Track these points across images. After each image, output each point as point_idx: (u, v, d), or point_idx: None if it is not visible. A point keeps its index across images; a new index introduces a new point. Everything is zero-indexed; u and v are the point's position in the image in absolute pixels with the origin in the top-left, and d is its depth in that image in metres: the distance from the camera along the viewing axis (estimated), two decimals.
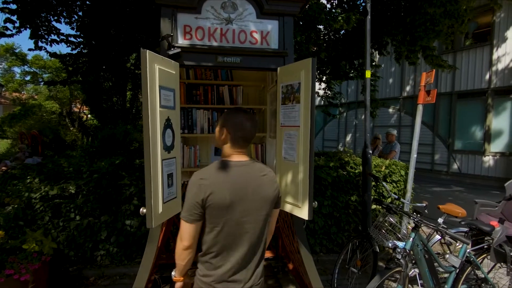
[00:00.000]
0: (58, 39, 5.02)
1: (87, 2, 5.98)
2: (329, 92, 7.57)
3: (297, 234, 2.22)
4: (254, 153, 3.06)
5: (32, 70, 18.75)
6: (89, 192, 3.57)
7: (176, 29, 2.07)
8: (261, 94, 3.14)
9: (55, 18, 5.89)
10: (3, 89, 17.41)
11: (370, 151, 3.72)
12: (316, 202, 1.98)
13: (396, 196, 2.77)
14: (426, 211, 2.76)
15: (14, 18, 4.35)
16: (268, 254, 3.55)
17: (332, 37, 6.80)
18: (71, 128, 18.66)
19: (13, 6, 4.45)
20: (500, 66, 9.44)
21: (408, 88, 12.11)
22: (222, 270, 1.26)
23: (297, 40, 3.83)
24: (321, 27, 6.38)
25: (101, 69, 6.67)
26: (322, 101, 8.68)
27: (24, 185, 3.52)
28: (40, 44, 4.87)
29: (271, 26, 2.20)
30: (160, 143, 1.79)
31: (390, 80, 12.86)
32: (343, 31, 6.74)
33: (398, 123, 12.28)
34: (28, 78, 19.42)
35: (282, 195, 2.12)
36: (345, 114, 15.22)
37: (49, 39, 4.90)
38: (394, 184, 4.28)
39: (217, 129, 1.38)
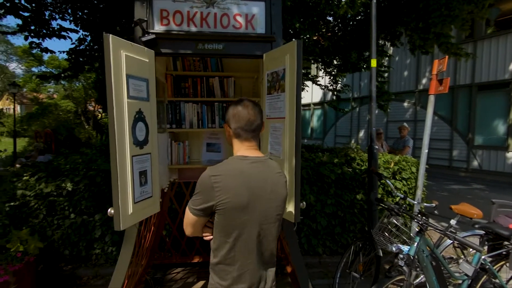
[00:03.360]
0: (49, 32, 4.97)
1: (94, 1, 5.93)
2: (336, 85, 7.24)
3: (287, 238, 2.03)
4: None
5: (48, 70, 19.24)
6: (84, 190, 3.50)
7: (151, 14, 1.91)
8: (255, 86, 2.94)
9: (60, 16, 5.90)
10: (21, 90, 17.98)
11: (377, 147, 3.46)
12: (304, 203, 1.78)
13: (402, 195, 2.51)
14: (436, 211, 2.49)
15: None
16: None
17: (340, 26, 6.49)
18: (86, 126, 19.11)
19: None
20: None
21: (424, 81, 11.53)
22: (239, 276, 1.16)
23: (296, 28, 3.59)
24: (329, 17, 6.10)
25: None
26: (333, 96, 8.37)
27: (21, 183, 3.49)
28: (30, 39, 4.84)
29: (257, 8, 2.00)
30: (129, 137, 1.63)
31: (405, 73, 12.31)
32: (351, 20, 6.43)
33: (413, 117, 11.73)
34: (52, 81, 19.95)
35: None
36: (357, 109, 14.74)
37: (40, 33, 4.86)
38: (404, 182, 3.99)
39: (224, 126, 1.31)
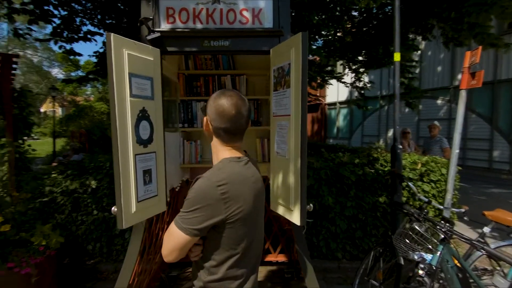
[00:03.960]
0: (76, 37, 5.23)
1: (120, 6, 6.19)
2: (360, 83, 6.94)
3: (296, 241, 1.93)
4: (260, 149, 2.80)
5: (84, 74, 20.53)
6: (106, 187, 3.63)
7: (158, 13, 1.90)
8: (268, 83, 2.86)
9: (90, 22, 6.21)
10: (60, 93, 19.26)
11: (400, 146, 3.23)
12: (311, 205, 1.68)
13: (426, 199, 2.30)
14: (465, 217, 2.26)
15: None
16: (281, 258, 3.28)
17: (366, 20, 6.20)
18: None
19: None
20: None
21: (460, 76, 10.73)
22: (238, 280, 1.05)
23: (314, 23, 3.45)
24: (355, 11, 5.85)
25: None
26: (357, 94, 8.04)
27: (50, 180, 3.70)
28: (60, 43, 5.12)
29: (264, 2, 1.92)
30: (132, 136, 1.63)
31: (439, 68, 11.54)
32: (377, 13, 6.12)
33: (448, 115, 10.97)
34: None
35: (275, 195, 1.85)
36: (386, 107, 14.09)
37: (68, 37, 5.12)
38: (433, 185, 3.70)
39: (204, 118, 1.11)
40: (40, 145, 19.97)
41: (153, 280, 2.87)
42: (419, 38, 6.59)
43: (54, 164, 7.17)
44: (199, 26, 1.91)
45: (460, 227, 4.54)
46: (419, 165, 3.72)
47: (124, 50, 1.57)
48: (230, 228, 0.98)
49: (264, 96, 2.81)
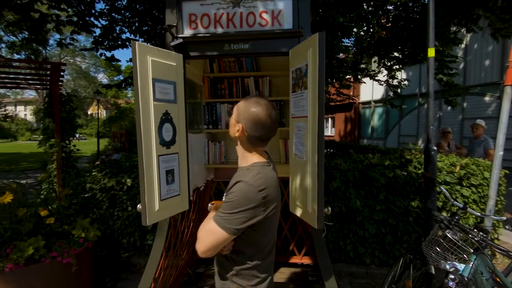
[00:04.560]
0: (116, 44, 5.58)
1: (156, 13, 6.53)
2: (393, 80, 6.60)
3: (315, 244, 1.91)
4: (283, 149, 2.79)
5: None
6: (139, 185, 3.85)
7: (181, 19, 1.99)
8: None
9: (129, 30, 6.64)
10: (105, 96, 20.69)
11: (435, 147, 3.03)
12: (329, 208, 1.64)
13: (461, 205, 2.14)
14: (507, 226, 2.07)
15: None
16: (305, 260, 3.24)
17: (403, 14, 5.88)
18: None
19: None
20: None
21: None
22: (265, 271, 1.19)
23: (340, 22, 3.36)
24: (390, 5, 5.59)
25: None
26: (391, 92, 7.65)
27: (90, 178, 4.02)
28: (100, 50, 5.50)
29: (284, 3, 1.92)
30: (156, 138, 1.72)
31: (487, 62, 10.59)
32: (414, 7, 5.78)
33: (497, 113, 9.96)
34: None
35: (294, 197, 1.85)
36: (425, 105, 13.22)
37: (108, 45, 5.49)
38: (474, 189, 3.41)
39: (231, 121, 1.17)
40: (87, 144, 21.71)
41: (180, 275, 2.99)
42: (463, 30, 6.11)
43: (97, 163, 7.78)
44: (220, 30, 1.97)
45: (508, 236, 4.14)
46: (458, 168, 3.45)
47: (148, 57, 1.67)
48: (263, 227, 1.10)
49: (287, 97, 2.79)
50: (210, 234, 1.06)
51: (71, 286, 2.63)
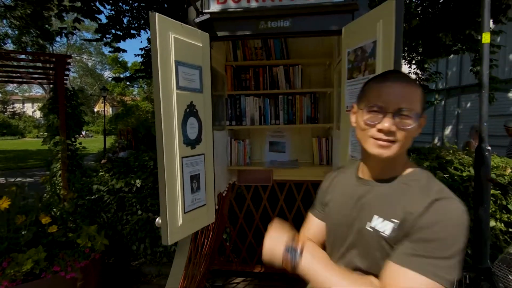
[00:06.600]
0: (121, 34, 5.27)
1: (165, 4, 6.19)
2: (424, 73, 6.18)
3: None
4: (317, 149, 2.43)
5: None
6: (150, 187, 3.54)
7: None
8: (327, 74, 2.47)
9: (137, 21, 6.31)
10: (111, 94, 20.52)
11: (489, 147, 2.64)
12: None
13: None
14: None
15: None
16: None
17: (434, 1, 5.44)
18: None
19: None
20: None
21: None
22: None
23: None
24: None
25: None
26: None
27: (97, 178, 3.71)
28: (105, 40, 5.20)
29: None
30: (179, 135, 1.38)
31: (511, 57, 10.04)
32: None
33: None
34: (128, 82, 22.66)
35: None
36: (443, 102, 12.70)
37: (114, 34, 5.18)
38: None
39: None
40: (93, 142, 21.59)
41: None
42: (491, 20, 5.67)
43: (104, 161, 7.52)
44: (253, 4, 1.61)
45: None
46: (508, 170, 3.05)
47: (170, 33, 1.32)
48: None
49: (321, 89, 2.43)
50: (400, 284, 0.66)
51: None
